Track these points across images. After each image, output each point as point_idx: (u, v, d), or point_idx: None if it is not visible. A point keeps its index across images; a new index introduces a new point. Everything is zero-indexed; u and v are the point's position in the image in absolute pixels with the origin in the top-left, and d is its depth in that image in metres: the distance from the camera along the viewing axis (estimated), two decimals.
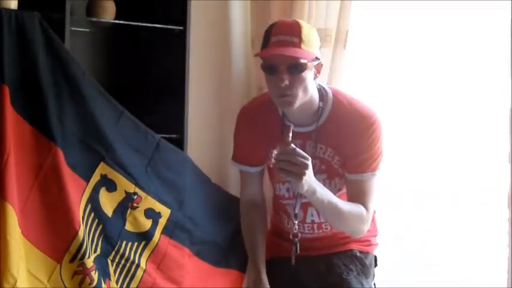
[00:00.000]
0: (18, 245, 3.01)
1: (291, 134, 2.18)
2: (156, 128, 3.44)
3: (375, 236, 2.68)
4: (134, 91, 3.71)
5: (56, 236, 3.10)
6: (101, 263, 3.23)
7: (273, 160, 2.18)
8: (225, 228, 3.61)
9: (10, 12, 3.07)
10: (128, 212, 3.32)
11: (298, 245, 2.49)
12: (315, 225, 2.55)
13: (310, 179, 2.20)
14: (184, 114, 3.62)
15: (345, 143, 2.42)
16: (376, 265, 2.72)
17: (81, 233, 3.12)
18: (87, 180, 3.21)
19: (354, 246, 2.61)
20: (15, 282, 2.98)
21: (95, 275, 3.16)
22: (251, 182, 2.66)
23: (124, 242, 3.30)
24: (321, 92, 2.45)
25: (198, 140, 3.75)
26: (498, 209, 3.36)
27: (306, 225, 2.56)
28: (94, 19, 3.51)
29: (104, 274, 3.23)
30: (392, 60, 3.62)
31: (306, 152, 2.24)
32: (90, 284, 3.14)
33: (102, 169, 3.24)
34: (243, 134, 2.60)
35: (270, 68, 2.34)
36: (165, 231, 3.42)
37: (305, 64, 2.31)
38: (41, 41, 3.11)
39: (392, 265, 3.65)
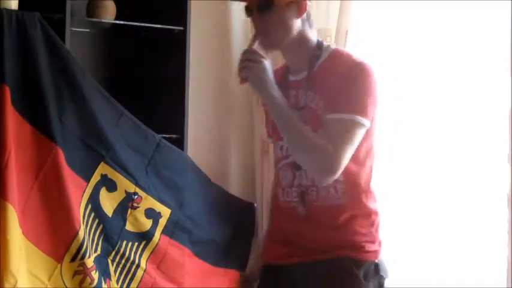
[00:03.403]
0: (18, 245, 3.01)
1: (256, 42, 2.23)
2: (156, 128, 3.44)
3: (373, 242, 2.40)
4: (134, 91, 3.72)
5: (56, 236, 3.11)
6: (101, 263, 3.23)
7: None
8: (225, 228, 3.62)
9: (11, 12, 3.08)
10: (128, 212, 3.32)
11: (303, 196, 2.37)
12: (306, 189, 2.37)
13: (266, 80, 2.20)
14: (184, 114, 3.63)
15: (333, 87, 2.29)
16: (378, 273, 2.41)
17: (81, 232, 3.12)
18: (88, 180, 3.22)
19: (344, 253, 2.36)
20: (16, 282, 2.98)
21: (95, 275, 3.17)
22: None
23: (124, 242, 3.31)
24: (320, 43, 2.38)
25: (198, 140, 3.76)
26: (498, 209, 3.36)
27: (293, 189, 2.39)
28: (94, 19, 3.52)
29: (104, 274, 3.23)
30: (392, 60, 3.62)
31: (298, 101, 2.27)
32: (90, 283, 3.15)
33: (102, 169, 3.25)
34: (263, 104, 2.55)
35: (246, 11, 2.36)
36: (165, 231, 3.42)
37: (273, 1, 2.27)
38: (42, 42, 3.12)
39: (392, 265, 3.65)
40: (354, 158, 2.29)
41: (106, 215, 3.26)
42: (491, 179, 3.41)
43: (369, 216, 2.41)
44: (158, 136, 3.44)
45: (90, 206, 3.21)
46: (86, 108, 3.23)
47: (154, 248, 3.39)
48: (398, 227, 3.64)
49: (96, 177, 3.24)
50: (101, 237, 3.25)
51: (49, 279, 3.10)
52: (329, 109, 2.26)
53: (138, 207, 3.35)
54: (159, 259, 3.40)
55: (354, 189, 2.36)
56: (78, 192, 3.17)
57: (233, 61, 3.87)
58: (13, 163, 3.02)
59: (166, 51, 3.68)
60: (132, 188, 3.32)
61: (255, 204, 3.75)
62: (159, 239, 3.41)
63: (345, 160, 2.24)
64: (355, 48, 3.56)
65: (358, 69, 2.29)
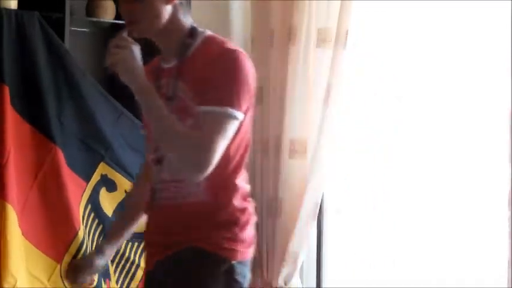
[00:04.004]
0: (18, 245, 3.01)
1: (126, 32, 2.18)
2: None
3: (233, 240, 2.20)
4: None
5: (56, 236, 3.10)
6: None
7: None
8: None
9: (10, 12, 3.08)
10: None
11: (156, 193, 2.24)
12: (166, 185, 2.24)
13: (133, 67, 2.11)
14: None
15: (203, 76, 2.15)
16: (231, 275, 2.18)
17: (81, 233, 3.12)
18: (87, 180, 3.21)
19: (196, 244, 2.18)
20: (16, 282, 2.98)
21: (95, 275, 3.16)
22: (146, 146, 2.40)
23: (124, 242, 3.30)
24: (195, 30, 2.26)
25: None
26: (498, 209, 3.35)
27: (157, 185, 2.26)
28: (94, 19, 3.52)
29: (104, 274, 3.23)
30: (392, 60, 3.62)
31: (168, 91, 2.18)
32: (90, 284, 3.14)
33: (102, 169, 3.25)
34: None
35: None
36: None
37: None
38: (41, 41, 3.12)
39: (392, 265, 3.66)
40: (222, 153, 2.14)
41: (106, 215, 3.26)
42: (491, 179, 3.41)
43: (233, 213, 2.23)
44: None
45: (90, 206, 3.21)
46: (85, 108, 3.23)
47: None
48: (399, 227, 3.64)
49: (96, 177, 3.24)
50: (101, 238, 3.24)
51: (48, 280, 3.10)
52: (199, 100, 2.14)
53: None
54: None
55: (218, 185, 2.20)
56: (77, 192, 3.17)
57: None
58: (12, 163, 3.02)
59: None
60: None
61: (255, 204, 3.74)
62: None
63: (218, 155, 2.11)
64: (355, 48, 3.56)
65: (230, 58, 2.16)
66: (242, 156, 2.24)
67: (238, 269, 2.21)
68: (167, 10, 2.23)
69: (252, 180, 3.77)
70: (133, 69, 2.13)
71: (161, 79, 2.24)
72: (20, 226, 3.02)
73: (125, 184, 3.30)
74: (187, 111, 2.15)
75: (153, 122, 2.17)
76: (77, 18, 3.51)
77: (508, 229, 3.28)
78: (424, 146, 3.57)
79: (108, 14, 3.54)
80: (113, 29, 3.68)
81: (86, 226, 3.18)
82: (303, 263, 3.67)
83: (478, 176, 3.44)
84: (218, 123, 2.11)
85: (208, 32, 2.28)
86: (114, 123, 3.32)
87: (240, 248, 2.21)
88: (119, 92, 3.44)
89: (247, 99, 2.17)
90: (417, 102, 3.58)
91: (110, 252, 2.46)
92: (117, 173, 3.28)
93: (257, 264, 3.69)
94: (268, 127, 3.65)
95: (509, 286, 3.27)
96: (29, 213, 3.07)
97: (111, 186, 3.27)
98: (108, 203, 3.27)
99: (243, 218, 2.24)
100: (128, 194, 2.45)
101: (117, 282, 3.28)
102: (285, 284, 3.62)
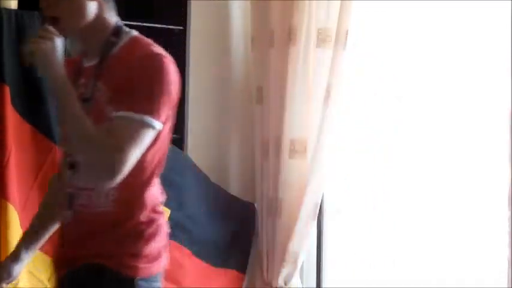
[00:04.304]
0: None
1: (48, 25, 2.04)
2: None
3: (136, 255, 2.08)
4: None
5: (56, 236, 3.10)
6: None
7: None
8: (224, 228, 3.61)
9: (10, 11, 3.08)
10: None
11: (72, 197, 2.11)
12: (78, 192, 2.11)
13: (52, 61, 1.98)
14: (184, 114, 3.62)
15: (123, 79, 2.03)
16: None
17: None
18: None
19: (101, 261, 2.06)
20: (17, 283, 2.97)
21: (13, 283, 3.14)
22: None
23: None
24: (120, 28, 2.13)
25: (198, 140, 3.75)
26: (498, 209, 3.36)
27: (68, 191, 2.14)
28: None
29: None
30: (392, 60, 3.62)
31: (85, 90, 2.06)
32: None
33: None
34: None
35: None
36: None
37: None
38: None
39: (392, 265, 3.66)
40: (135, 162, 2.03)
41: None
42: (491, 179, 3.41)
43: (139, 226, 2.10)
44: None
45: None
46: None
47: None
48: (399, 227, 3.64)
49: None
50: None
51: (49, 280, 3.09)
52: (116, 104, 2.02)
53: None
54: None
55: (127, 196, 2.08)
56: None
57: (233, 61, 3.86)
58: (13, 163, 3.02)
59: (166, 51, 3.67)
60: None
61: (255, 204, 3.75)
62: None
63: (130, 164, 1.99)
64: (355, 48, 3.56)
65: (154, 62, 2.04)
66: (156, 167, 2.14)
67: (143, 286, 2.10)
68: (91, 7, 2.09)
69: (252, 180, 3.81)
70: (52, 63, 2.00)
71: (81, 78, 2.12)
72: (21, 226, 3.02)
73: None
74: (103, 115, 2.03)
75: (66, 121, 2.05)
76: None
77: (508, 229, 3.29)
78: (424, 146, 3.57)
79: None
80: None
81: None
82: (303, 263, 3.67)
83: (478, 176, 3.45)
84: (134, 131, 1.99)
85: (135, 33, 2.16)
86: None
87: (142, 264, 2.09)
88: None
89: (168, 109, 2.05)
90: (417, 102, 3.59)
91: (27, 257, 2.31)
92: None
93: (257, 264, 3.69)
94: (268, 127, 3.65)
95: (509, 286, 3.28)
96: (30, 213, 3.05)
97: None
98: None
99: (149, 231, 2.11)
100: (45, 195, 2.37)
101: None
102: (285, 284, 3.62)
